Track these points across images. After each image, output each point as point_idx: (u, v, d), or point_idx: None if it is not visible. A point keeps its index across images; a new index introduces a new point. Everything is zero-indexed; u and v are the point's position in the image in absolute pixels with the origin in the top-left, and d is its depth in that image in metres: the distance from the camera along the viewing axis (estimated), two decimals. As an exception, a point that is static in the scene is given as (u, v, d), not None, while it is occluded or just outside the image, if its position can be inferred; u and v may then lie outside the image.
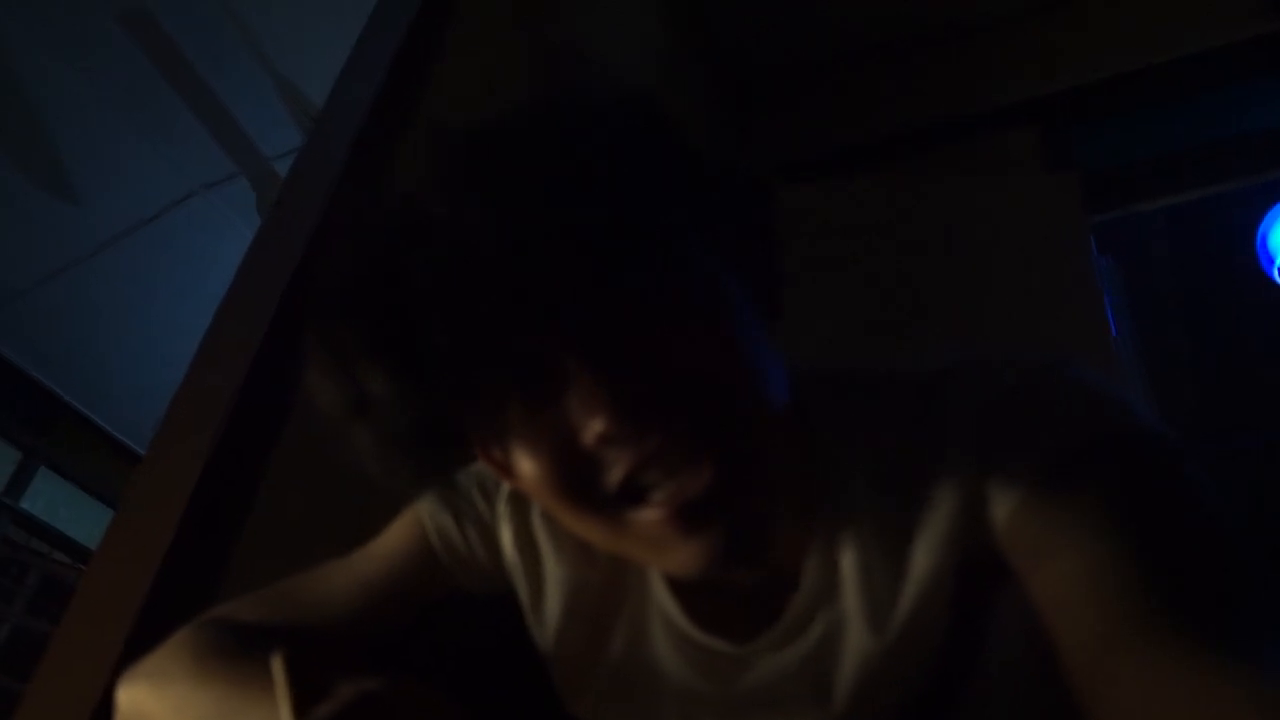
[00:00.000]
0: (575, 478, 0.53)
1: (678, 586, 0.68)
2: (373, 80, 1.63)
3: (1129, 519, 0.52)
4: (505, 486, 0.73)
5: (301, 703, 0.46)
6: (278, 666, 0.48)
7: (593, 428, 0.50)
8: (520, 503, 0.73)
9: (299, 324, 1.26)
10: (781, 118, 1.53)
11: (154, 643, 0.71)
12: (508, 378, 0.52)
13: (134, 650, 0.96)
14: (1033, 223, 1.40)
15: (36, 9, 2.78)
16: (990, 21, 1.56)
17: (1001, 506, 0.56)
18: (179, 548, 1.03)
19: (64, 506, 4.46)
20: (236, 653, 0.64)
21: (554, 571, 0.71)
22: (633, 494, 0.53)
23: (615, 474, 0.52)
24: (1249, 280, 2.58)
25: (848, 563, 0.61)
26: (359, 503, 0.90)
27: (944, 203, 1.45)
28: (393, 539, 0.76)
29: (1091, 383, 0.58)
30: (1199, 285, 2.66)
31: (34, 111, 3.10)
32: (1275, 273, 2.51)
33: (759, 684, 0.65)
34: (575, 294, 0.50)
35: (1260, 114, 1.62)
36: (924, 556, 0.59)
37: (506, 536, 0.73)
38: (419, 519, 0.75)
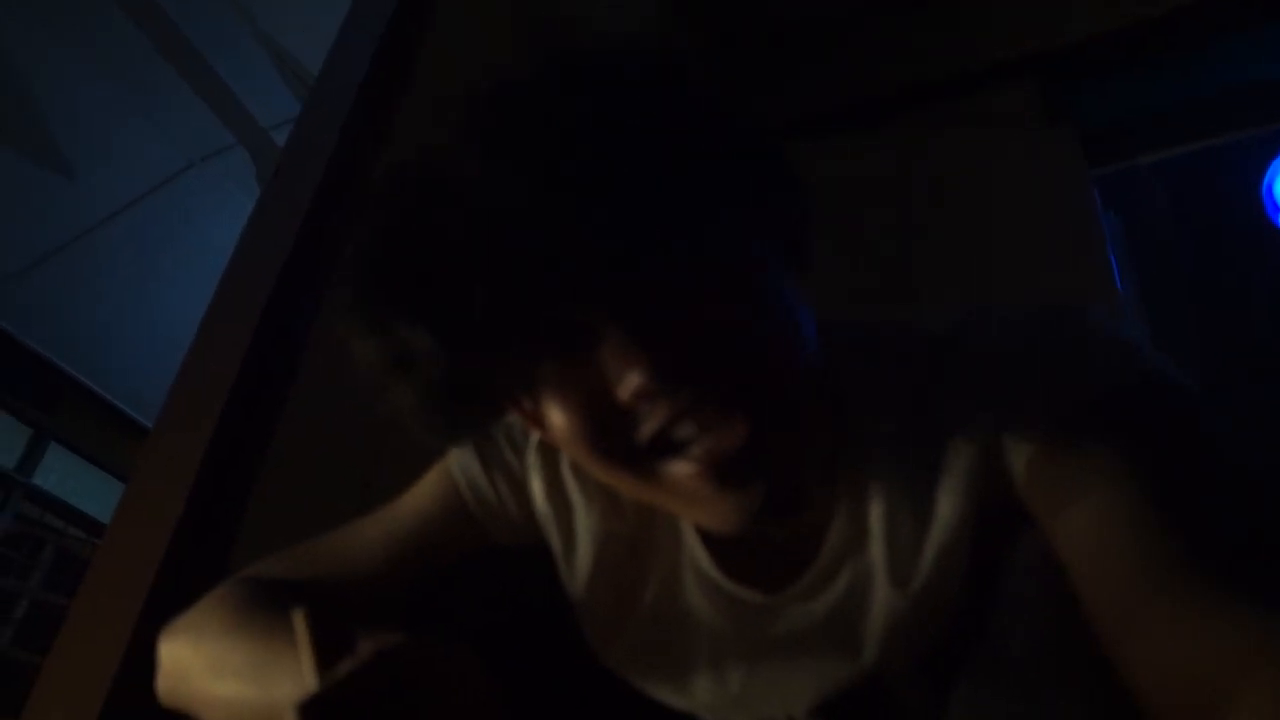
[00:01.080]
0: (608, 431, 0.53)
1: (709, 537, 0.68)
2: (368, 46, 1.61)
3: (1149, 465, 0.52)
4: (534, 438, 0.73)
5: (324, 657, 0.46)
6: (299, 621, 0.48)
7: (629, 382, 0.50)
8: (550, 454, 0.73)
9: (302, 293, 1.26)
10: (777, 75, 1.52)
11: (169, 614, 0.72)
12: (544, 334, 0.52)
13: (149, 622, 0.97)
14: (1035, 178, 1.40)
15: (27, -17, 2.76)
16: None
17: (1020, 455, 0.56)
18: (189, 519, 1.04)
19: (75, 481, 4.50)
20: (269, 607, 0.65)
21: (584, 522, 0.72)
22: (666, 447, 0.53)
23: (648, 427, 0.52)
24: (1253, 231, 2.57)
25: (874, 514, 0.62)
26: (365, 468, 0.90)
27: (945, 160, 1.44)
28: (423, 492, 0.76)
29: (1107, 330, 0.57)
30: (1202, 238, 2.64)
31: (29, 88, 3.08)
32: (1282, 221, 2.49)
33: (789, 634, 0.66)
34: (611, 252, 0.50)
35: (1262, 64, 1.60)
36: (946, 507, 0.60)
37: (537, 487, 0.73)
38: (449, 471, 0.75)
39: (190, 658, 0.66)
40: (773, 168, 0.60)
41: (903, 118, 1.51)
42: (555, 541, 0.73)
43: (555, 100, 0.52)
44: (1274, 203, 2.48)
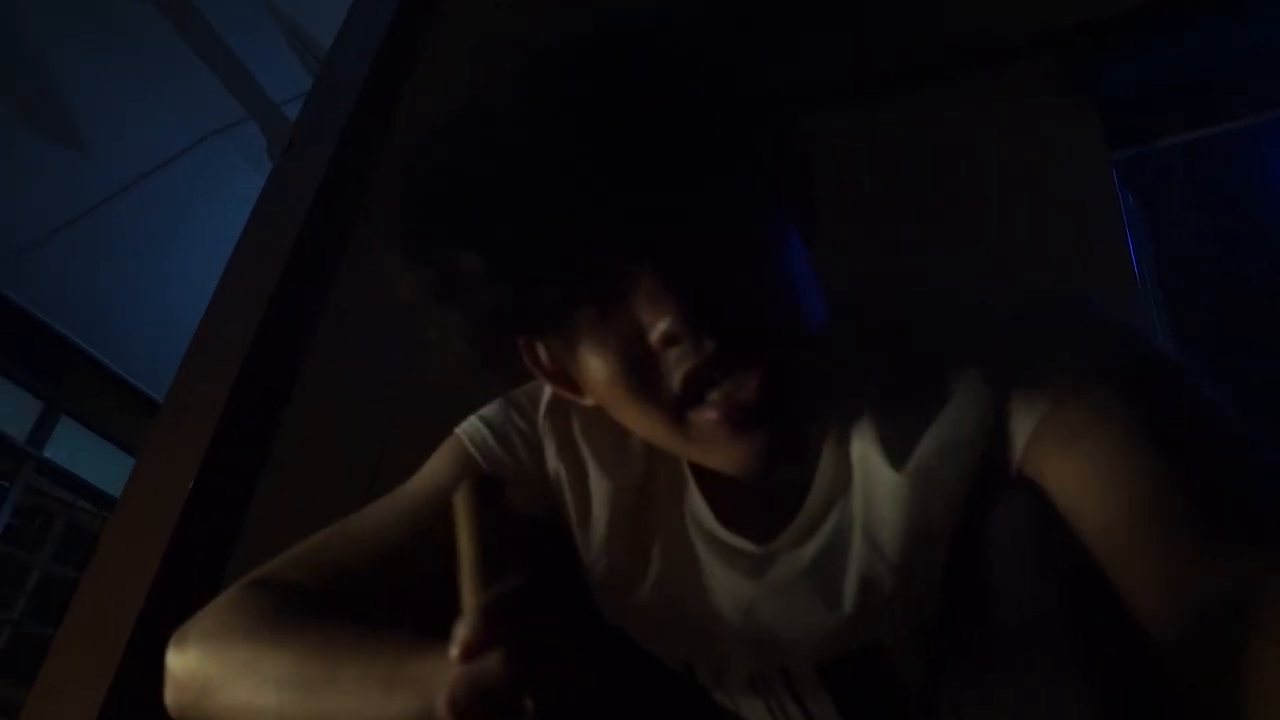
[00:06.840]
0: (642, 376, 0.57)
1: (708, 490, 0.71)
2: (380, 20, 1.60)
3: (1152, 426, 0.55)
4: (544, 404, 0.75)
5: (484, 531, 0.47)
6: (462, 496, 0.49)
7: (659, 327, 0.55)
8: (560, 417, 0.75)
9: (314, 267, 1.26)
10: (794, 48, 1.50)
11: (178, 587, 0.71)
12: (582, 280, 0.56)
13: (158, 595, 0.97)
14: (1052, 157, 1.38)
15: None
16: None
17: (1026, 421, 0.59)
18: (199, 493, 1.04)
19: (86, 454, 4.52)
20: (308, 614, 0.63)
21: (597, 482, 0.74)
22: (692, 395, 0.57)
23: (677, 376, 0.56)
24: (1275, 215, 2.54)
25: (858, 469, 0.65)
26: (375, 444, 0.89)
27: (959, 134, 1.42)
28: (434, 466, 0.76)
29: (1108, 316, 0.61)
30: (1225, 224, 2.62)
31: (41, 64, 3.07)
32: (1305, 206, 2.46)
33: (779, 582, 0.67)
34: (650, 204, 0.54)
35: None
36: (936, 461, 0.62)
37: (550, 448, 0.75)
38: (459, 440, 0.76)
39: (213, 668, 0.63)
40: (790, 143, 0.66)
41: (918, 91, 1.49)
42: (570, 500, 0.75)
43: (600, 60, 0.58)
44: (1297, 187, 2.45)
